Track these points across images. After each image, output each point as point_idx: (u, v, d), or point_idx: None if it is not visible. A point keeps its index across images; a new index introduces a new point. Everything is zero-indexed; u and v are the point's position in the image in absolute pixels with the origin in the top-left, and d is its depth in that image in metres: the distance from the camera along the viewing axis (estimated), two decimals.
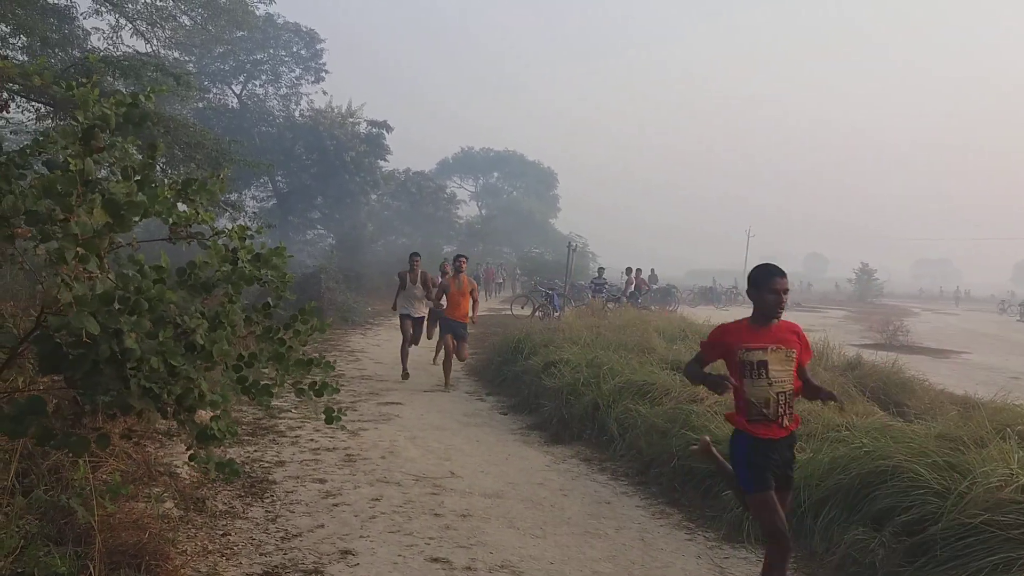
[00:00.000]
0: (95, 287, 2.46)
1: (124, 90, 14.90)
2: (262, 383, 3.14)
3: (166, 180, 3.04)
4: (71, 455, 3.20)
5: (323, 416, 3.36)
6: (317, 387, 3.28)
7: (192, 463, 3.04)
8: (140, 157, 2.82)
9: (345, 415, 3.44)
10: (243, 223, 3.36)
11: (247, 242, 3.18)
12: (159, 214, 2.83)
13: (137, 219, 2.62)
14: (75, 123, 2.62)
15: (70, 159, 2.47)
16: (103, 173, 2.85)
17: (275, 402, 3.61)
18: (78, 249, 2.34)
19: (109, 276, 2.57)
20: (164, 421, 3.06)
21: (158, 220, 2.95)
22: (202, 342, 2.71)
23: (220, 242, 3.09)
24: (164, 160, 13.55)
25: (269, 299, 3.27)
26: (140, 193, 2.64)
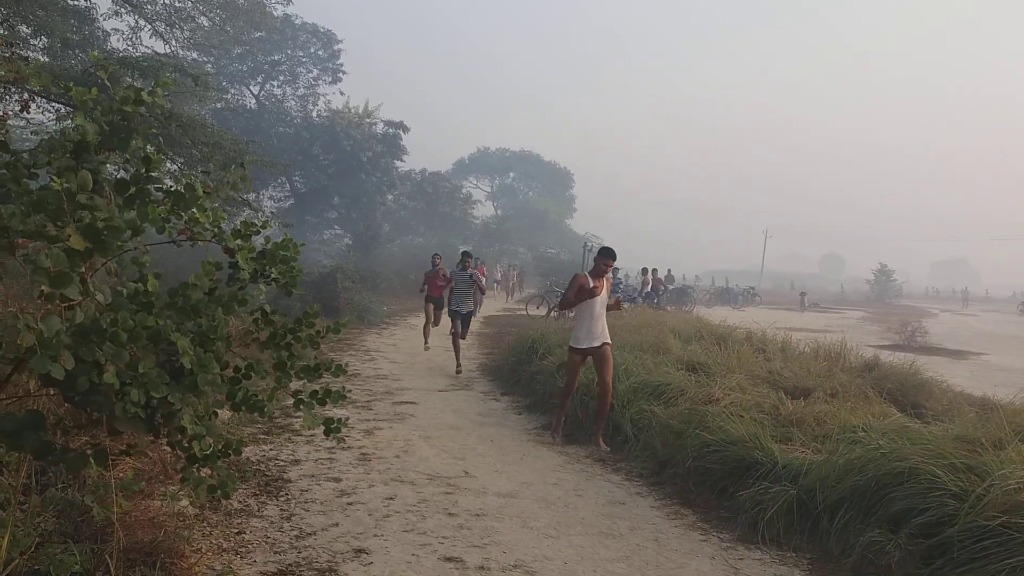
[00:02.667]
0: (74, 317, 2.42)
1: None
2: (255, 397, 3.04)
3: (178, 182, 3.00)
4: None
5: (322, 428, 3.24)
6: (320, 396, 3.16)
7: (185, 484, 3.00)
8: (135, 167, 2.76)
9: (346, 426, 3.32)
10: (256, 221, 3.18)
11: (249, 240, 3.08)
12: (159, 228, 2.78)
13: (123, 242, 2.56)
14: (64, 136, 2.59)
15: (55, 177, 2.43)
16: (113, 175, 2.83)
17: (289, 400, 3.53)
18: (44, 288, 2.29)
19: (98, 296, 2.54)
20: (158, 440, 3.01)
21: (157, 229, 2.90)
22: (189, 366, 2.65)
23: (223, 241, 3.02)
24: (182, 160, 13.65)
25: (265, 306, 3.14)
26: (131, 209, 2.59)
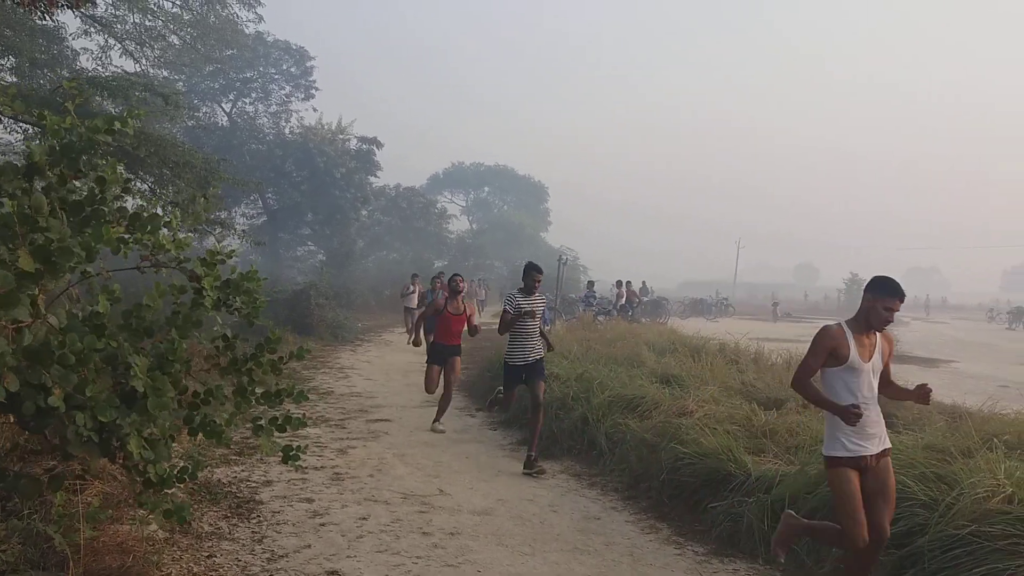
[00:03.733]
0: (22, 338, 2.40)
1: (113, 110, 14.92)
2: (213, 422, 3.04)
3: (151, 202, 3.00)
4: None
5: (280, 455, 3.25)
6: (279, 422, 3.17)
7: (142, 508, 2.99)
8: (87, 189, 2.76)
9: (304, 453, 3.33)
10: (229, 243, 3.24)
11: (216, 268, 3.10)
12: (114, 250, 2.77)
13: (76, 264, 2.54)
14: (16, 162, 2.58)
15: (8, 199, 2.42)
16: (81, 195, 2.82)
17: (260, 422, 3.57)
18: None
19: (50, 319, 2.52)
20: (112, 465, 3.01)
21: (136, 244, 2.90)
22: (142, 389, 2.63)
23: (187, 268, 3.03)
24: (152, 180, 13.53)
25: (228, 332, 3.16)
26: (85, 231, 2.58)
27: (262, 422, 3.17)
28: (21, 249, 2.32)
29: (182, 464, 3.06)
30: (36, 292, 2.44)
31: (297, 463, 3.27)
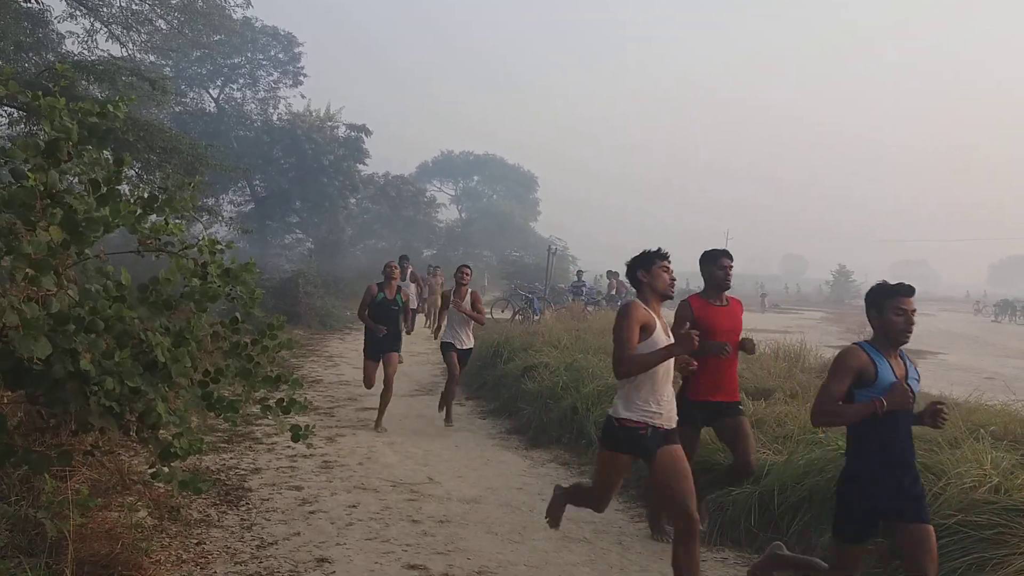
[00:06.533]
0: (50, 305, 2.42)
1: (99, 95, 14.79)
2: (228, 399, 3.11)
3: (134, 192, 3.00)
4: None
5: (290, 433, 3.34)
6: (284, 404, 3.25)
7: (156, 481, 3.02)
8: (106, 169, 2.78)
9: (313, 433, 3.43)
10: (216, 231, 3.32)
11: (217, 256, 3.14)
12: (126, 227, 2.79)
13: (97, 236, 2.58)
14: (39, 134, 2.61)
15: (30, 173, 2.43)
16: (72, 182, 2.82)
17: (251, 409, 3.63)
18: (28, 270, 2.30)
19: (69, 292, 2.54)
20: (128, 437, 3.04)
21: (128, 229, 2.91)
22: (164, 359, 2.67)
23: (190, 255, 3.05)
24: (139, 165, 13.43)
25: (237, 314, 3.23)
26: (103, 207, 2.60)
27: (270, 403, 3.28)
28: (47, 220, 2.35)
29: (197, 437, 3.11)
30: (56, 263, 2.47)
31: (307, 441, 3.37)
